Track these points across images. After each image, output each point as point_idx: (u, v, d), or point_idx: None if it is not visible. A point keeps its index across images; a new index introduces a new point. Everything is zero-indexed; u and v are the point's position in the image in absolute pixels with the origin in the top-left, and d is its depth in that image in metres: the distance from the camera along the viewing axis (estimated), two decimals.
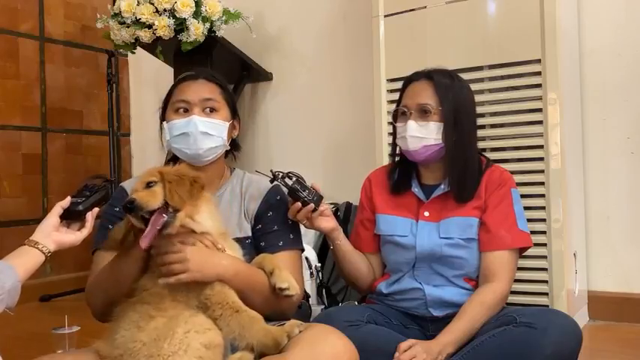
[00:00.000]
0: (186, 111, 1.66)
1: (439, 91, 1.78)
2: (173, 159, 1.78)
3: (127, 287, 1.47)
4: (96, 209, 1.45)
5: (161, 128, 1.71)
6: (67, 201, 1.43)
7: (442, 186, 1.82)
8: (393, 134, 1.89)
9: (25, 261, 1.31)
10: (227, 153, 1.78)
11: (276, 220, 1.69)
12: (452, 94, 1.79)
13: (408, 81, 1.86)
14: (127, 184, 1.73)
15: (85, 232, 1.43)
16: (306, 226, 1.75)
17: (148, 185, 1.42)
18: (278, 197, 1.72)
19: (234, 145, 1.80)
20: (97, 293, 1.57)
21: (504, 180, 1.82)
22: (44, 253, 1.34)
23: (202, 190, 1.49)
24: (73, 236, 1.41)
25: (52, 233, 1.37)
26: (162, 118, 1.72)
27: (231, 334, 1.38)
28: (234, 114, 1.74)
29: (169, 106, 1.70)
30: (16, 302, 1.26)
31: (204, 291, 1.42)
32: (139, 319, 1.37)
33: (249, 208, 1.70)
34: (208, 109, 1.66)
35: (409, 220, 1.83)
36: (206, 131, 1.64)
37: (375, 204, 1.90)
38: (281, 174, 1.66)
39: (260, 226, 1.68)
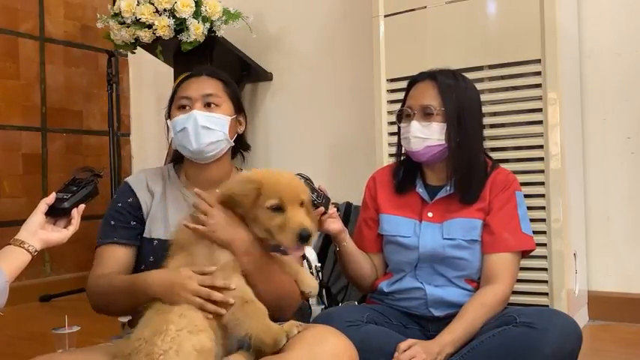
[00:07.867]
0: (188, 107, 1.66)
1: (442, 92, 1.78)
2: (174, 159, 1.78)
3: (141, 303, 1.45)
4: (82, 205, 1.42)
5: (167, 127, 1.71)
6: (51, 197, 1.39)
7: (447, 187, 1.81)
8: (398, 134, 1.88)
9: (11, 261, 1.28)
10: (235, 153, 1.78)
11: None
12: (455, 95, 1.78)
13: (413, 82, 1.86)
14: (132, 180, 1.72)
15: (72, 229, 1.40)
16: None
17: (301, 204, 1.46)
18: None
19: (243, 144, 1.78)
20: (106, 297, 1.55)
21: (509, 182, 1.82)
22: (30, 252, 1.31)
23: None
24: (60, 234, 1.38)
25: (38, 231, 1.34)
26: (168, 116, 1.72)
27: (233, 322, 1.38)
28: (239, 109, 1.74)
29: (173, 104, 1.71)
30: (4, 303, 1.24)
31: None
32: (152, 316, 1.37)
33: None
34: (209, 105, 1.66)
35: (412, 220, 1.83)
36: (206, 125, 1.63)
37: (379, 204, 1.90)
38: None
39: None
